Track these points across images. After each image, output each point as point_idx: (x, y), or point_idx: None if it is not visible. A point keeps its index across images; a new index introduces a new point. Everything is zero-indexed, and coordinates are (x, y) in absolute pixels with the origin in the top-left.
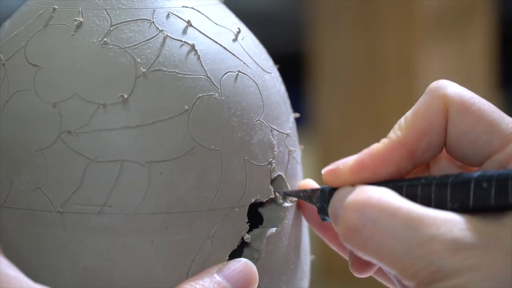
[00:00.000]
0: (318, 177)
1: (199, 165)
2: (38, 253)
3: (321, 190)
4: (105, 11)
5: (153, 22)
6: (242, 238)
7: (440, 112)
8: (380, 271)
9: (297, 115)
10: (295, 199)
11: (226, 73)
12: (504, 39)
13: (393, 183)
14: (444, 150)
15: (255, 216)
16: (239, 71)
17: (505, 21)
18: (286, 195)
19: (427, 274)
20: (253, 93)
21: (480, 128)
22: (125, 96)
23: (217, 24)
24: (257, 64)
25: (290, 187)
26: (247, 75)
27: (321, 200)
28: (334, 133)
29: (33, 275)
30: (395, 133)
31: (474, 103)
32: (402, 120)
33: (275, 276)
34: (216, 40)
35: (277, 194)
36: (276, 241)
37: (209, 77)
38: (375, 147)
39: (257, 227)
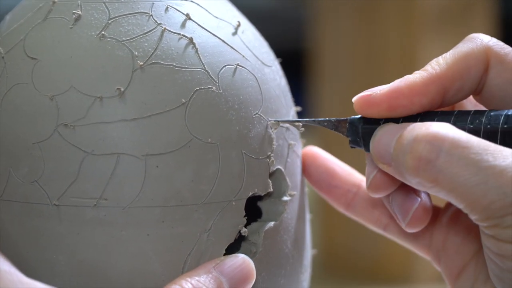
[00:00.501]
0: None
1: (196, 158)
2: (35, 246)
3: (350, 123)
4: (103, 4)
5: (151, 15)
6: (240, 232)
7: (480, 60)
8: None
9: (299, 108)
10: (294, 192)
11: (225, 66)
12: (505, 35)
13: (438, 116)
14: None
15: (254, 210)
16: (238, 64)
17: (506, 17)
18: (306, 122)
19: (501, 206)
20: (251, 86)
21: None
22: (122, 89)
23: (216, 17)
24: (257, 58)
25: (289, 181)
26: (246, 68)
27: (352, 132)
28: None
29: (29, 268)
30: (432, 67)
31: None
32: (440, 58)
33: (273, 270)
34: (215, 33)
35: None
36: (274, 235)
37: (207, 70)
38: (412, 77)
39: (256, 221)
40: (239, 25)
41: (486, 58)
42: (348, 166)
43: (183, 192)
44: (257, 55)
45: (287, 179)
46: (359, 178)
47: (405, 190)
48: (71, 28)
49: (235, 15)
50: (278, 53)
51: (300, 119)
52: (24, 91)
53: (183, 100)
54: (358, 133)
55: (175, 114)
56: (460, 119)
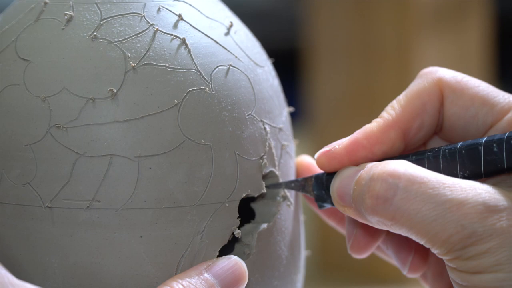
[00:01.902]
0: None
1: (189, 159)
2: (28, 248)
3: (315, 178)
4: (95, 5)
5: (143, 16)
6: (233, 233)
7: (434, 94)
8: (379, 249)
9: (292, 109)
10: (287, 194)
11: (217, 67)
12: (501, 32)
13: (398, 158)
14: (435, 136)
15: (247, 211)
16: (231, 65)
17: (501, 15)
18: (275, 187)
19: (459, 239)
20: (244, 87)
21: (479, 102)
22: (114, 90)
23: (209, 18)
24: (250, 58)
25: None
26: (238, 69)
27: (318, 187)
28: (329, 128)
29: (22, 270)
30: (388, 113)
31: (468, 81)
32: (394, 101)
33: (266, 271)
34: (208, 34)
35: (268, 189)
36: (267, 237)
37: (199, 71)
38: (369, 126)
39: (249, 222)
40: (231, 25)
41: (439, 90)
42: None
43: (176, 193)
44: (250, 55)
45: (281, 180)
46: None
47: (399, 239)
48: (63, 29)
49: (227, 15)
50: (272, 52)
51: (269, 184)
52: (16, 93)
53: (176, 101)
54: (323, 185)
55: (167, 115)
56: (420, 151)
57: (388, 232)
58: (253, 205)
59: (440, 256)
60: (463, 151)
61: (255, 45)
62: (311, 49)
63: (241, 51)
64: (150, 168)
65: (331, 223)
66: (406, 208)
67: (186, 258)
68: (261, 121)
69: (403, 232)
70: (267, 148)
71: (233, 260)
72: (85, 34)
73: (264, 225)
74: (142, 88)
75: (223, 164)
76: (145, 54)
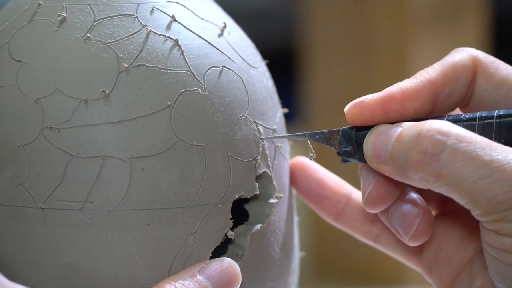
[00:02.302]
0: None
1: (182, 161)
2: (21, 249)
3: (342, 132)
4: (88, 6)
5: (136, 17)
6: (226, 234)
7: (468, 67)
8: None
9: (286, 110)
10: (281, 195)
11: (210, 68)
12: (497, 32)
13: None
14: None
15: (241, 213)
16: (224, 66)
17: (498, 16)
18: (298, 137)
19: (505, 199)
20: (237, 88)
21: (511, 83)
22: (107, 91)
23: (202, 19)
24: (243, 59)
25: (276, 184)
26: (232, 70)
27: (345, 141)
28: (325, 128)
29: (15, 271)
30: (422, 74)
31: (501, 63)
32: (428, 68)
33: (260, 273)
34: (201, 35)
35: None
36: (261, 238)
37: (192, 72)
38: (403, 83)
39: (243, 223)
40: (224, 26)
41: (473, 66)
42: (338, 176)
43: (168, 195)
44: (243, 56)
45: (274, 181)
46: (349, 189)
47: (405, 203)
48: (56, 30)
49: (221, 17)
50: (268, 53)
51: (291, 134)
52: (9, 94)
53: (169, 103)
54: (351, 140)
55: (160, 116)
56: (454, 118)
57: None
58: (247, 206)
59: (480, 218)
60: (501, 120)
61: (249, 46)
62: (307, 50)
63: (234, 52)
64: (142, 169)
65: (328, 219)
66: (452, 166)
67: (179, 259)
68: (255, 122)
69: (444, 191)
70: (260, 149)
71: (226, 262)
72: (78, 35)
73: (258, 227)
74: (135, 89)
75: (216, 165)
76: (138, 55)
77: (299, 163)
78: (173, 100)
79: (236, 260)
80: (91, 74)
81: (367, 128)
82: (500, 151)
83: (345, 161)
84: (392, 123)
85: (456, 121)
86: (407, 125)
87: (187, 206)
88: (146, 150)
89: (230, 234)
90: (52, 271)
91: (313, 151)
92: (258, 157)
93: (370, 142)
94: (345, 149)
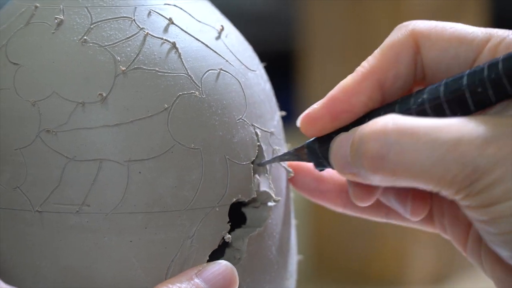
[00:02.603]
0: None
1: (179, 164)
2: (18, 252)
3: (307, 147)
4: (86, 9)
5: (134, 20)
6: (223, 238)
7: (407, 43)
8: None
9: (284, 113)
10: (279, 198)
11: (208, 71)
12: None
13: (383, 109)
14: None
15: (238, 216)
16: (221, 69)
17: (497, 15)
18: (269, 162)
19: (464, 176)
20: (235, 91)
21: (456, 41)
22: (104, 94)
23: (199, 22)
24: (241, 62)
25: (274, 187)
26: (229, 73)
27: (313, 155)
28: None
29: (13, 274)
30: (362, 66)
31: (442, 25)
32: (369, 57)
33: (257, 276)
34: (198, 38)
35: (261, 166)
36: (258, 241)
37: (189, 75)
38: (344, 81)
39: (240, 227)
40: (222, 29)
41: (413, 40)
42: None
43: (166, 198)
44: (241, 59)
45: (272, 184)
46: None
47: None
48: (53, 33)
49: (219, 19)
50: (267, 55)
51: (264, 162)
52: (6, 97)
53: (166, 105)
54: (318, 155)
55: (157, 119)
56: (404, 103)
57: None
58: (244, 210)
59: (451, 198)
60: (448, 99)
61: (247, 49)
62: (306, 51)
63: (232, 55)
64: (139, 172)
65: (338, 210)
66: (403, 161)
67: (176, 263)
68: (252, 125)
69: (409, 184)
70: (257, 152)
71: (223, 265)
72: (75, 38)
73: (255, 230)
74: (132, 92)
75: (213, 169)
76: (135, 58)
77: (294, 163)
78: (170, 103)
79: (233, 264)
80: (88, 77)
81: (328, 138)
82: (448, 130)
83: (321, 170)
84: (348, 125)
85: (406, 109)
86: (357, 131)
87: (184, 209)
88: (143, 153)
89: (228, 237)
90: (49, 273)
91: (291, 170)
92: (256, 160)
93: (332, 157)
94: (315, 162)
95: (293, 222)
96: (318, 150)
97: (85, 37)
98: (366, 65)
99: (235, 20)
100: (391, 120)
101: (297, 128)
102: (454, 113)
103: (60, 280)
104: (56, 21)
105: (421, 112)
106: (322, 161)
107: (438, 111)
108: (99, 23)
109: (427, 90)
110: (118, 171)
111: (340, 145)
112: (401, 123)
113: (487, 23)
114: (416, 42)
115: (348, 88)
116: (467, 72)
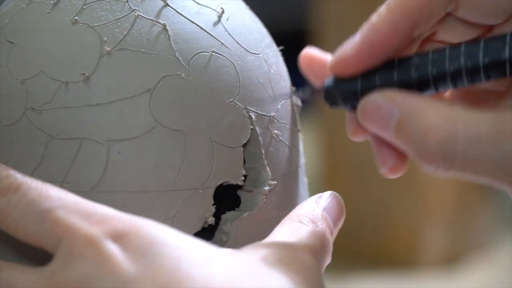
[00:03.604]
0: (321, 165)
1: (160, 145)
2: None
3: (325, 93)
4: None
5: (127, 1)
6: (207, 220)
7: None
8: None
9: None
10: (274, 182)
11: (198, 53)
12: None
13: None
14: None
15: (236, 199)
16: (213, 51)
17: None
18: (282, 96)
19: None
20: (227, 73)
21: None
22: (87, 74)
23: (198, 4)
24: (239, 45)
25: (270, 171)
26: (223, 55)
27: (329, 97)
28: (338, 115)
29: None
30: (394, 1)
31: None
32: None
33: None
34: (193, 20)
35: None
36: (250, 225)
37: (177, 57)
38: (377, 22)
39: (234, 210)
40: (223, 11)
41: None
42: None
43: (145, 178)
44: (241, 42)
45: (268, 169)
46: None
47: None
48: (48, 13)
49: (225, 1)
50: (280, 34)
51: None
52: (1, 75)
53: (149, 87)
54: (335, 96)
55: (139, 100)
56: (439, 64)
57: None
58: (239, 193)
59: None
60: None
61: (253, 32)
62: (320, 32)
63: (230, 37)
64: (119, 152)
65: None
66: (470, 167)
67: None
68: (245, 108)
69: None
70: (251, 136)
71: (334, 194)
72: (67, 18)
73: (245, 214)
74: (115, 73)
75: (197, 151)
76: (122, 39)
77: (305, 54)
78: (153, 84)
79: (220, 246)
80: (74, 57)
81: (351, 80)
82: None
83: (333, 108)
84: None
85: (442, 72)
86: (404, 109)
87: (164, 190)
88: (123, 133)
89: (211, 219)
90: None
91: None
92: (248, 144)
93: (364, 116)
94: (331, 102)
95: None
96: (339, 92)
97: (76, 18)
98: (397, 1)
99: (248, 0)
100: (453, 127)
101: (310, 109)
102: (488, 77)
103: (37, 255)
104: (52, 1)
105: (457, 74)
106: (339, 102)
107: (475, 76)
108: (92, 3)
109: (463, 51)
110: (98, 150)
111: (379, 111)
112: (463, 129)
113: None
114: None
115: (382, 33)
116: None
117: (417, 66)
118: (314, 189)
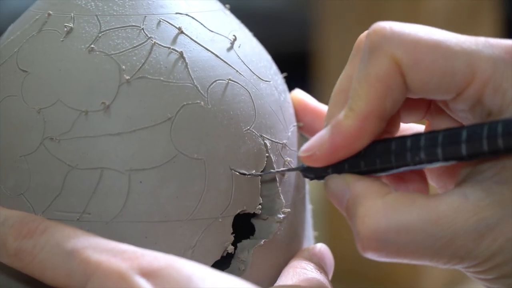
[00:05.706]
0: (322, 193)
1: (181, 174)
2: None
3: (302, 173)
4: (96, 17)
5: (142, 28)
6: (226, 249)
7: (393, 72)
8: None
9: (301, 124)
10: (288, 210)
11: (215, 81)
12: (510, 36)
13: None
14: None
15: (248, 227)
16: (230, 79)
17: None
18: (264, 173)
19: (464, 265)
20: (243, 101)
21: (438, 74)
22: (107, 103)
23: (211, 31)
24: (252, 72)
25: (284, 199)
26: (238, 83)
27: (308, 175)
28: None
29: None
30: (357, 104)
31: (422, 49)
32: (357, 86)
33: (264, 286)
34: (208, 48)
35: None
36: (265, 253)
37: (195, 85)
38: (344, 125)
39: (249, 238)
40: (235, 39)
41: (398, 68)
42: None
43: (167, 207)
44: (253, 69)
45: (282, 196)
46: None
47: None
48: (62, 41)
49: (234, 29)
50: (284, 55)
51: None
52: (14, 104)
53: (169, 115)
54: (312, 177)
55: (160, 129)
56: (401, 157)
57: None
58: (253, 221)
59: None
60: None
61: (262, 59)
62: (323, 54)
63: (243, 65)
64: (140, 182)
65: None
66: (402, 253)
67: None
68: (261, 136)
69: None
70: (267, 164)
71: (322, 246)
72: (83, 46)
73: (261, 242)
74: (135, 101)
75: (217, 179)
76: (140, 67)
77: (299, 99)
78: (174, 112)
79: (237, 275)
80: (93, 86)
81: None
82: (441, 223)
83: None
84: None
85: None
86: (351, 193)
87: (186, 220)
88: (144, 162)
89: (230, 248)
90: None
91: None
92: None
93: (331, 188)
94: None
95: (310, 233)
96: (313, 174)
97: (92, 46)
98: (360, 103)
99: (251, 22)
100: (384, 219)
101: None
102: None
103: None
104: (65, 29)
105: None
106: (316, 178)
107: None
108: (107, 31)
109: (423, 145)
110: (119, 180)
111: (336, 191)
112: (394, 219)
113: (501, 23)
114: (401, 71)
115: (350, 134)
116: (465, 137)
117: (380, 155)
118: (316, 215)
